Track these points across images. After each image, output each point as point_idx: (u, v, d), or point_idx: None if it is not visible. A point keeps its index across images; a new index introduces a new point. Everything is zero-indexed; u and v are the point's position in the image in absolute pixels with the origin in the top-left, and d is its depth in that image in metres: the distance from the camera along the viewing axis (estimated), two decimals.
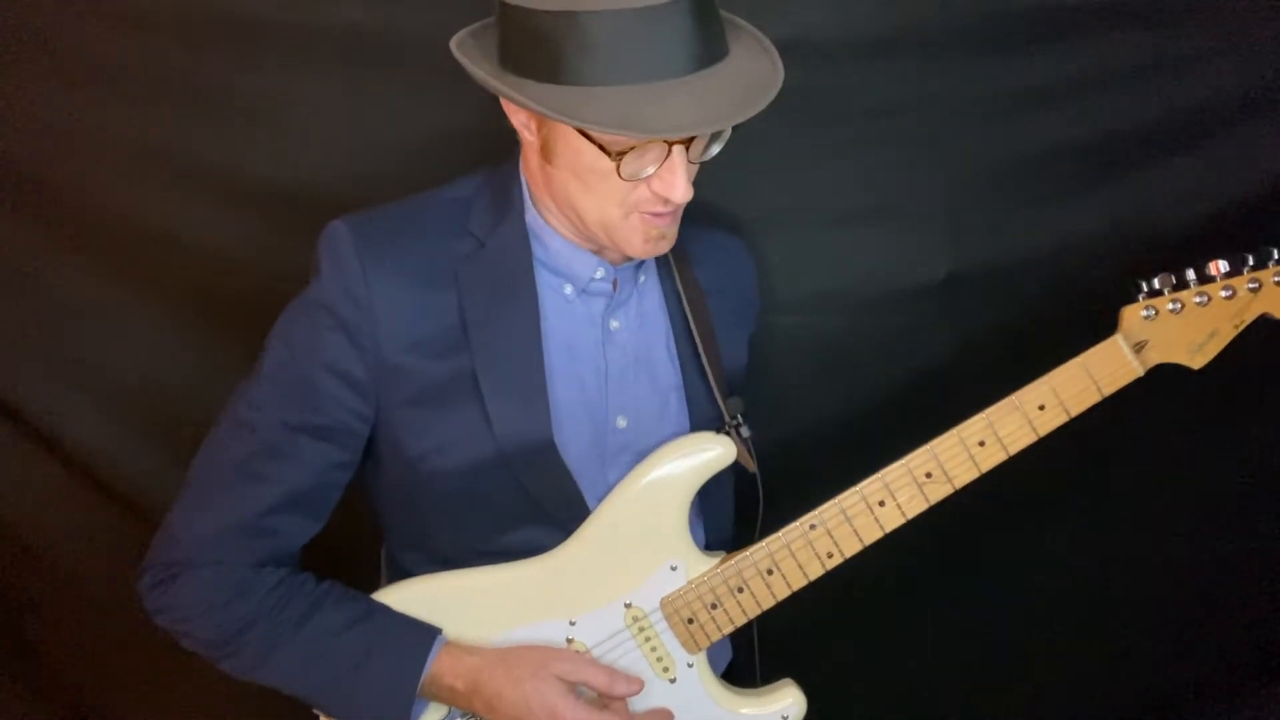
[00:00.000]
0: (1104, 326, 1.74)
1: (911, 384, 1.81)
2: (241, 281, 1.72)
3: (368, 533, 1.42)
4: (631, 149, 1.11)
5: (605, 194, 1.17)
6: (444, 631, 1.27)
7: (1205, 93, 1.71)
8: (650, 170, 1.14)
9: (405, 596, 1.29)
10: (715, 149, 1.20)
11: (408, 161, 1.69)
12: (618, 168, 1.12)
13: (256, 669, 1.25)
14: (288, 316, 1.25)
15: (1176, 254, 1.55)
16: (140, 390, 1.81)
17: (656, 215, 1.19)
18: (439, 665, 1.24)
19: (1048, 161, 1.74)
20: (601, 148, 1.12)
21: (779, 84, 1.14)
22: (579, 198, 1.19)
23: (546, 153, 1.19)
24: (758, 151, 1.71)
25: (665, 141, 1.11)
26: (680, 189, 1.14)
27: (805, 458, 1.66)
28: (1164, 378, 1.83)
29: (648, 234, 1.20)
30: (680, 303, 1.35)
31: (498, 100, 1.19)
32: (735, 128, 1.15)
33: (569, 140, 1.14)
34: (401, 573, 1.34)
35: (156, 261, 1.74)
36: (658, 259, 1.36)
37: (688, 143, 1.13)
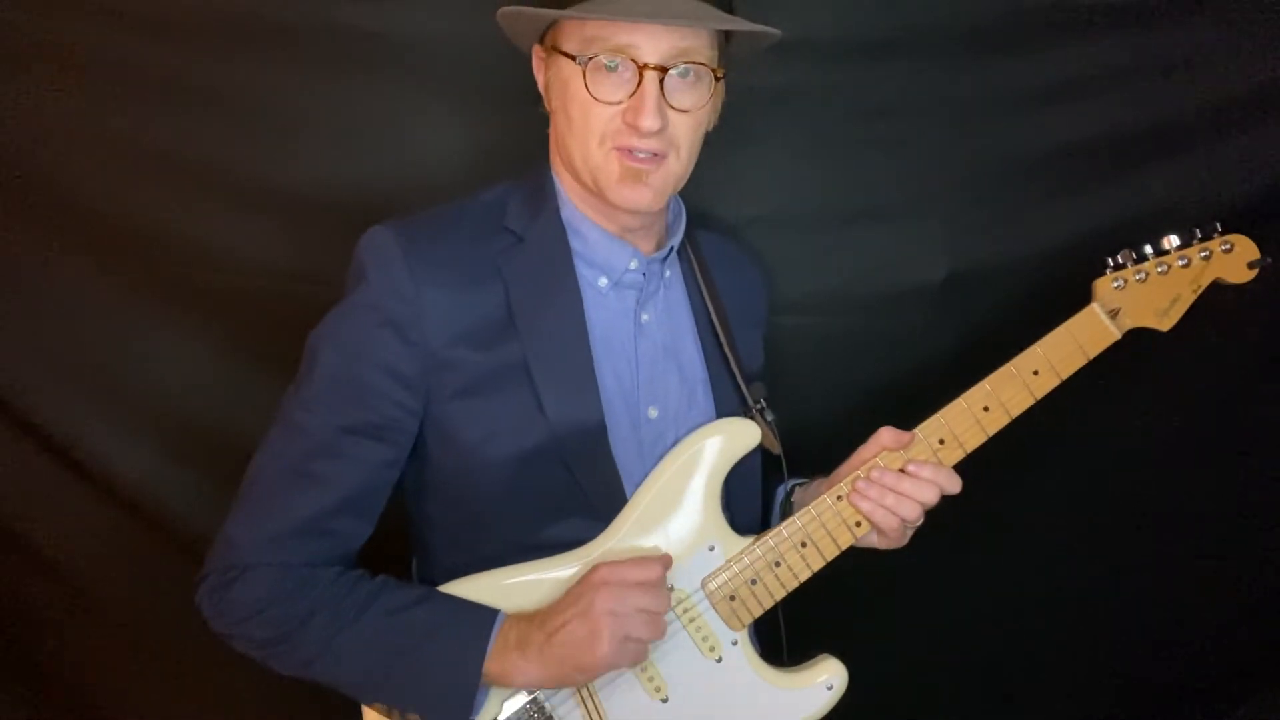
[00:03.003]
0: None
1: (911, 384, 1.82)
2: (245, 282, 1.73)
3: (395, 554, 1.41)
4: (596, 57, 1.19)
5: (586, 128, 1.24)
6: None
7: (1205, 93, 1.73)
8: (620, 95, 1.21)
9: (457, 592, 1.30)
10: (687, 99, 1.23)
11: (425, 168, 1.71)
12: (584, 76, 1.20)
13: (314, 661, 1.25)
14: (334, 321, 1.28)
15: None
16: (145, 393, 1.81)
17: (631, 153, 1.23)
18: (505, 624, 1.25)
19: (1047, 161, 1.75)
20: (574, 59, 1.20)
21: (741, 17, 1.22)
22: (571, 142, 1.26)
23: (549, 98, 1.29)
24: (759, 151, 1.73)
25: (635, 62, 1.19)
26: (647, 113, 1.20)
27: (806, 458, 1.66)
28: (1165, 383, 1.84)
29: (624, 171, 1.24)
30: (701, 295, 1.41)
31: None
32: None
33: (559, 70, 1.25)
34: (442, 578, 1.33)
35: (161, 263, 1.74)
36: (680, 255, 1.42)
37: (661, 74, 1.20)
